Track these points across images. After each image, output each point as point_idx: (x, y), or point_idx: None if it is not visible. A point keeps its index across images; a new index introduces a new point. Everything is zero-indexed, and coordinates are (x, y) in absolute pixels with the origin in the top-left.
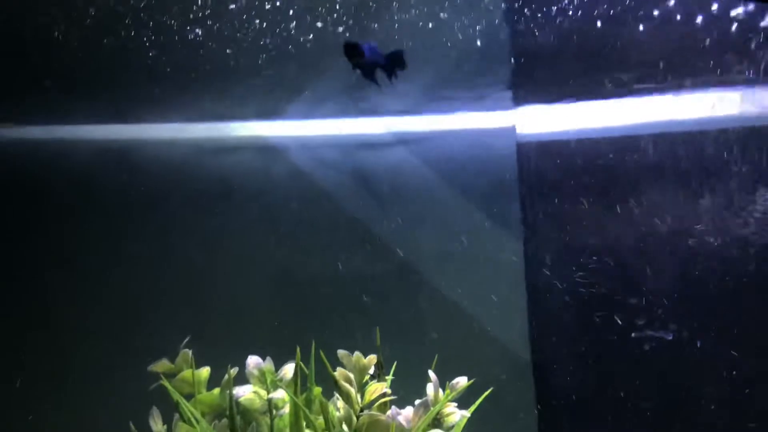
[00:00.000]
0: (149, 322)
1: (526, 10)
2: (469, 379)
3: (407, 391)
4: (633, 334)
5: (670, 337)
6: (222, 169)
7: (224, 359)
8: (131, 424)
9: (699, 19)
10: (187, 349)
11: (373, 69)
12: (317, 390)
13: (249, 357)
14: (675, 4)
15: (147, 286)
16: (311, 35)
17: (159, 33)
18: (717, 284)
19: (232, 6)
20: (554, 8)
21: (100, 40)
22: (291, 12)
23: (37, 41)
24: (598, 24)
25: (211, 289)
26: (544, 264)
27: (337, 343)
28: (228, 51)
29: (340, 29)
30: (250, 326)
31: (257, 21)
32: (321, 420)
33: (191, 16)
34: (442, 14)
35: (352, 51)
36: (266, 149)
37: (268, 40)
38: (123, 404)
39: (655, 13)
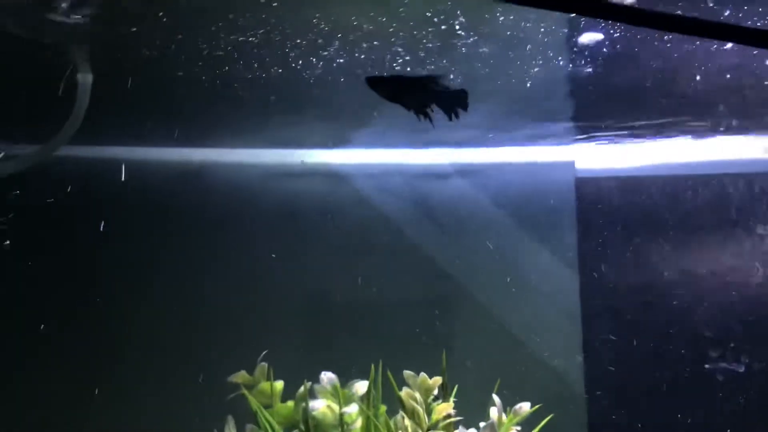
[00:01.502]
0: (217, 337)
1: (589, 46)
2: (523, 402)
3: (461, 413)
4: (688, 368)
5: (742, 369)
6: (289, 194)
7: (289, 377)
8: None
9: (756, 67)
10: (264, 363)
11: (419, 103)
12: (382, 408)
13: (323, 373)
14: (733, 53)
15: (217, 303)
16: (378, 66)
17: (238, 62)
18: None
19: (304, 39)
20: (619, 46)
21: (182, 68)
22: (364, 44)
23: (120, 66)
24: (659, 65)
25: (277, 308)
26: (599, 296)
27: (398, 365)
28: (299, 81)
29: (406, 59)
30: (317, 347)
31: (327, 50)
32: None
33: (266, 50)
34: (509, 51)
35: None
36: (331, 176)
37: (336, 70)
38: (184, 414)
39: (715, 58)
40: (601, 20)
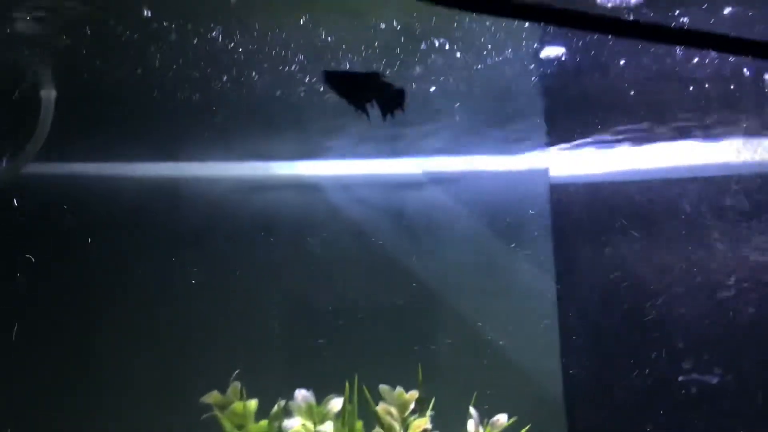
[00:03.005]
0: (192, 354)
1: (559, 56)
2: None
3: (439, 425)
4: (666, 373)
5: (714, 381)
6: (263, 207)
7: (269, 392)
8: None
9: (728, 72)
10: (237, 382)
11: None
12: (359, 424)
13: (297, 390)
14: (711, 61)
15: (193, 317)
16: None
17: (204, 76)
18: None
19: (274, 52)
20: (588, 55)
21: (150, 82)
22: (329, 54)
23: (91, 83)
24: (632, 70)
25: (253, 320)
26: (575, 301)
27: (376, 375)
28: (270, 93)
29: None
30: (288, 358)
31: (296, 64)
32: None
33: (238, 59)
34: (477, 58)
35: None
36: (305, 187)
37: (305, 80)
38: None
39: (685, 64)
40: (570, 30)
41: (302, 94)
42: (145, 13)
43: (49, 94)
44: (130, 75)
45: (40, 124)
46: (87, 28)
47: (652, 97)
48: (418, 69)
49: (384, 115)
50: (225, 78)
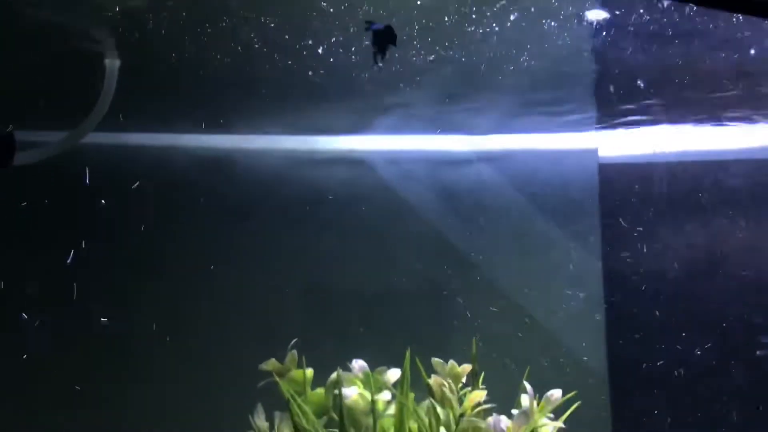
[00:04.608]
0: (236, 328)
1: (612, 34)
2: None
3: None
4: (714, 360)
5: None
6: (312, 181)
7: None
8: (251, 417)
9: None
10: (294, 350)
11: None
12: (411, 396)
13: (354, 360)
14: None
15: (237, 291)
16: (396, 54)
17: (261, 49)
18: None
19: (323, 26)
20: (641, 33)
21: (204, 54)
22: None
23: (150, 54)
24: (685, 50)
25: (300, 297)
26: (622, 284)
27: (423, 353)
28: (321, 71)
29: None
30: (343, 336)
31: (344, 36)
32: (420, 424)
33: (291, 35)
34: (528, 36)
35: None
36: (355, 162)
37: (356, 58)
38: (208, 402)
39: (748, 45)
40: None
41: (353, 64)
42: None
43: (113, 64)
44: (188, 49)
45: (102, 93)
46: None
47: (707, 76)
48: (466, 43)
49: (374, 59)
50: (276, 54)
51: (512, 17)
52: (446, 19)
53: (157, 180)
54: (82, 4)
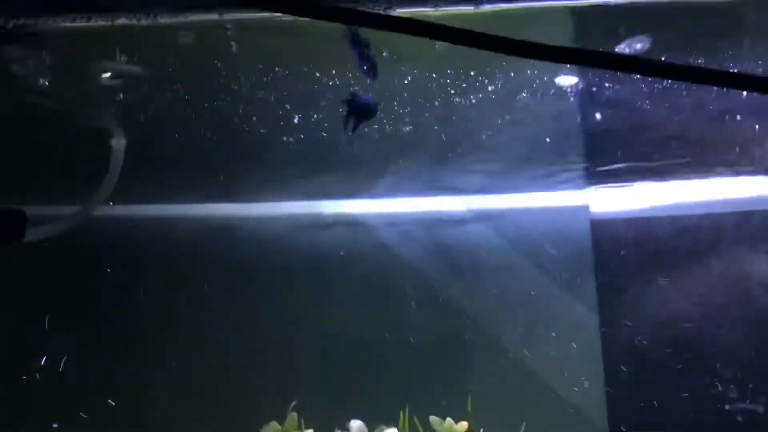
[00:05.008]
0: (246, 388)
1: (599, 94)
2: None
3: None
4: (714, 407)
5: (761, 409)
6: (314, 245)
7: (320, 423)
8: None
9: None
10: (294, 413)
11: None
12: None
13: (352, 421)
14: (745, 101)
15: (245, 352)
16: (392, 119)
17: (262, 120)
18: None
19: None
20: (627, 91)
21: (206, 123)
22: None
23: (153, 132)
24: (669, 108)
25: (302, 355)
26: (619, 336)
27: (422, 409)
28: (323, 134)
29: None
30: (343, 392)
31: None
32: None
33: (291, 104)
34: (517, 97)
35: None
36: (353, 225)
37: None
38: None
39: (723, 101)
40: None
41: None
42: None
43: (119, 144)
44: (188, 123)
45: (110, 171)
46: (152, 86)
47: (694, 132)
48: (458, 108)
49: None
50: (275, 123)
51: (491, 88)
52: (433, 90)
53: (162, 248)
54: (89, 94)
